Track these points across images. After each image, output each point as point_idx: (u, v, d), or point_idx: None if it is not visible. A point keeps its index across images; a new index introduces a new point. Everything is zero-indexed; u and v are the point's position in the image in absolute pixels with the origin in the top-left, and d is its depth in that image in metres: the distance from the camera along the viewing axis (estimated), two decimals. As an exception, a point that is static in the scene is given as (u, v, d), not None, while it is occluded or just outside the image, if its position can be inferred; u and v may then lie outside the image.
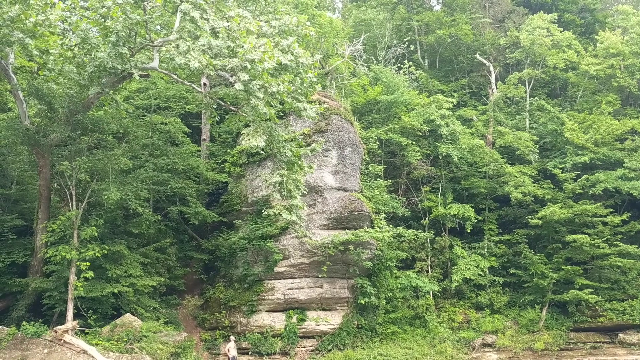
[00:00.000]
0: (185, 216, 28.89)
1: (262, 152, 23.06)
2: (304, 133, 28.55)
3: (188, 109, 31.73)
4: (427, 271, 33.79)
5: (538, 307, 33.15)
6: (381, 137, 33.99)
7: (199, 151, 31.89)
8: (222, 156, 32.50)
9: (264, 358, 26.90)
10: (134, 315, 23.73)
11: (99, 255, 22.46)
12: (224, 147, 33.36)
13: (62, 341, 20.98)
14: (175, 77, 21.89)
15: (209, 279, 30.01)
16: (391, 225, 30.55)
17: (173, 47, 19.08)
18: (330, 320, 28.64)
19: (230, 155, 31.36)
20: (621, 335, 32.37)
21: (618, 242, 32.96)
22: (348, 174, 29.54)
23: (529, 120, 40.02)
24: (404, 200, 35.01)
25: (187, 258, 29.65)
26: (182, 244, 30.05)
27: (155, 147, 28.55)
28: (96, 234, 22.58)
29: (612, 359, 31.01)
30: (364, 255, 28.08)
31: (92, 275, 22.24)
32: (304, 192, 25.30)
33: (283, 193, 23.96)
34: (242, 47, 18.84)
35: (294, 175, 23.62)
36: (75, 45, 20.12)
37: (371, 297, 28.69)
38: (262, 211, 26.42)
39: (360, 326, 29.33)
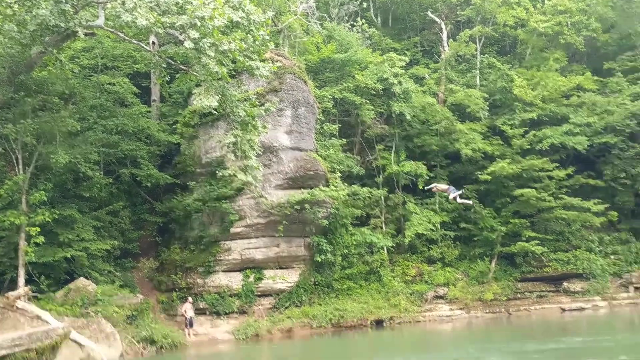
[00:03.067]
0: (138, 179, 28.34)
1: (215, 113, 22.64)
2: (257, 92, 28.18)
3: (137, 68, 30.78)
4: (382, 227, 34.40)
5: (487, 260, 34.35)
6: (335, 96, 33.86)
7: (149, 112, 31.04)
8: (173, 117, 31.74)
9: (222, 317, 27.13)
10: (88, 279, 23.45)
11: (50, 219, 21.98)
12: (175, 107, 32.56)
13: (14, 307, 20.52)
14: (122, 35, 21.11)
15: (164, 241, 29.72)
16: (346, 184, 30.84)
17: (119, 3, 18.34)
18: (287, 279, 29.00)
19: (182, 115, 30.63)
20: (565, 284, 33.98)
21: (563, 196, 34.26)
22: (303, 134, 29.53)
23: (480, 77, 40.52)
24: (359, 158, 35.29)
25: (141, 221, 29.21)
26: (135, 206, 29.54)
27: (104, 108, 27.70)
28: (45, 199, 22.03)
29: (557, 307, 32.66)
30: (320, 213, 28.35)
31: (43, 240, 21.76)
32: (259, 152, 25.17)
33: (237, 154, 23.78)
34: (191, 3, 18.31)
35: (248, 135, 23.41)
36: (15, 2, 19.09)
37: (327, 254, 29.14)
38: (217, 172, 26.17)
39: (316, 283, 29.85)
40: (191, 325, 25.41)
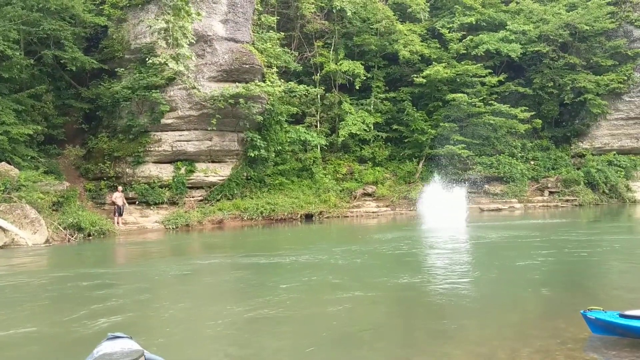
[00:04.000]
0: (62, 61, 26.77)
1: (146, -6, 21.36)
2: (191, -24, 26.58)
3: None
4: (316, 126, 34.66)
5: (416, 161, 35.57)
6: (275, -15, 32.62)
7: (74, -10, 28.87)
8: (100, -3, 29.74)
9: (151, 207, 27.13)
10: (10, 164, 22.61)
11: (-36, 99, 20.68)
12: (102, -14, 30.43)
13: None
14: None
15: (91, 128, 28.73)
16: (283, 80, 30.44)
17: None
18: (219, 172, 29.05)
19: (110, -4, 28.78)
20: (486, 186, 35.80)
21: (493, 102, 35.33)
22: (239, 24, 28.46)
23: (423, -23, 39.83)
24: (297, 54, 34.67)
25: (66, 106, 27.91)
26: (60, 91, 28.10)
27: (23, -18, 25.51)
28: (-41, 77, 20.55)
29: (476, 207, 34.51)
30: (254, 109, 28.02)
31: (-42, 121, 20.58)
32: (192, 40, 24.21)
33: (169, 41, 22.78)
34: None
35: (180, 21, 22.36)
36: None
37: (261, 150, 29.19)
38: (147, 59, 25.11)
39: (249, 177, 30.10)
40: (120, 214, 25.31)
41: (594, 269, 13.16)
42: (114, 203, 25.29)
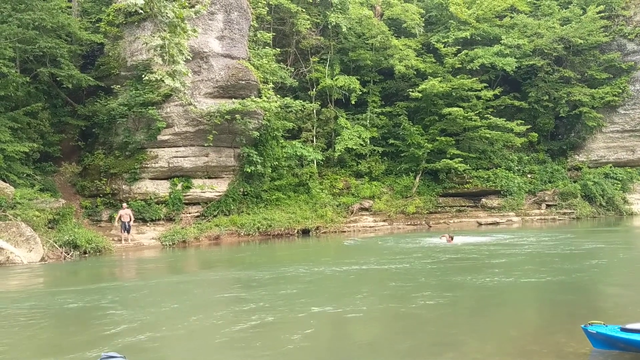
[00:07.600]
0: (58, 79, 26.81)
1: (141, 12, 21.33)
2: (187, -7, 26.70)
3: (55, -42, 28.35)
4: (312, 141, 34.65)
5: (412, 175, 35.55)
6: (270, 3, 32.75)
7: (70, 7, 29.01)
8: (96, 14, 29.82)
9: (148, 224, 26.99)
10: (5, 182, 22.52)
11: (-40, 118, 20.63)
12: (98, 4, 30.54)
13: None
14: None
15: (87, 146, 28.70)
16: (279, 96, 30.47)
17: None
18: (216, 188, 28.97)
19: (106, 13, 28.85)
20: (483, 200, 35.81)
21: (489, 115, 35.41)
22: (235, 40, 28.56)
23: (417, -8, 40.18)
24: (292, 70, 34.78)
25: (62, 124, 27.91)
26: (56, 108, 28.10)
27: (19, 0, 25.60)
28: (-45, 95, 20.54)
29: (474, 220, 34.50)
30: (250, 124, 28.02)
31: (-47, 139, 20.52)
32: (188, 57, 24.22)
33: (165, 58, 22.71)
34: None
35: (176, 38, 22.33)
36: None
37: (257, 165, 29.13)
38: (143, 76, 25.11)
39: (245, 193, 30.01)
40: (127, 230, 25.09)
41: (595, 282, 13.08)
42: (121, 220, 25.09)
